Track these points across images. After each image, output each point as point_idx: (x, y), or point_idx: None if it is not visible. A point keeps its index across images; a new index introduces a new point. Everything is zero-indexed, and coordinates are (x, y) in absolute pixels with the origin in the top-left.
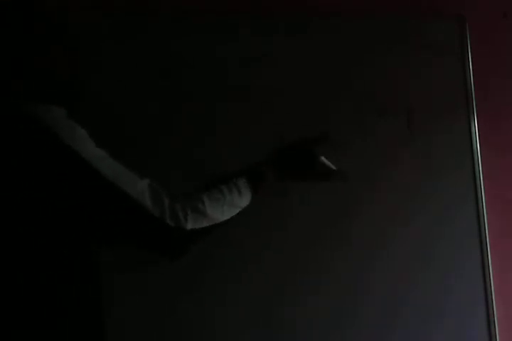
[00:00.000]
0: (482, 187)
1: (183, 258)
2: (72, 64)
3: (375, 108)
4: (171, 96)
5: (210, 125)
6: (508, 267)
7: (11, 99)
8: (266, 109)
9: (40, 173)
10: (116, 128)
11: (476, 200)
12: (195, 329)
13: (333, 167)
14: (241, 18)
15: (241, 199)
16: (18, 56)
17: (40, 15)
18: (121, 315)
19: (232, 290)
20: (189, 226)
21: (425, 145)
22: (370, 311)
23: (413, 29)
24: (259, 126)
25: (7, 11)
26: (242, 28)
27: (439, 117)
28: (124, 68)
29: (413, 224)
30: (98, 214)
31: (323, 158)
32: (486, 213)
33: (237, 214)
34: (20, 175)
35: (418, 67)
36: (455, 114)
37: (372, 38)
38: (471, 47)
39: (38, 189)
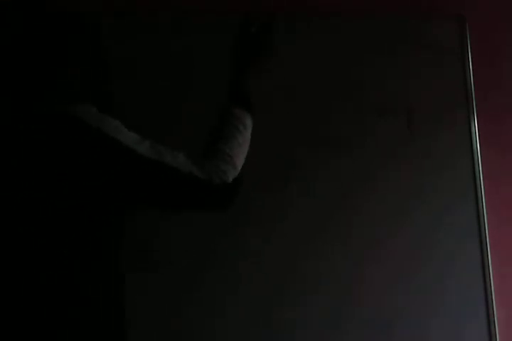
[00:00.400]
0: (482, 187)
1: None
2: (99, 65)
3: (375, 108)
4: (170, 96)
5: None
6: (508, 267)
7: (50, 100)
8: (266, 109)
9: (90, 165)
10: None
11: (476, 200)
12: (195, 329)
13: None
14: (241, 18)
15: (247, 130)
16: (53, 58)
17: (74, 18)
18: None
19: (231, 289)
20: (230, 179)
21: (425, 145)
22: (369, 311)
23: (413, 29)
24: (259, 125)
25: (42, 15)
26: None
27: (439, 117)
28: (127, 68)
29: (413, 224)
30: (152, 194)
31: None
32: (486, 213)
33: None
34: (70, 168)
35: (418, 67)
36: (455, 114)
37: (372, 38)
38: (471, 47)
39: (89, 179)
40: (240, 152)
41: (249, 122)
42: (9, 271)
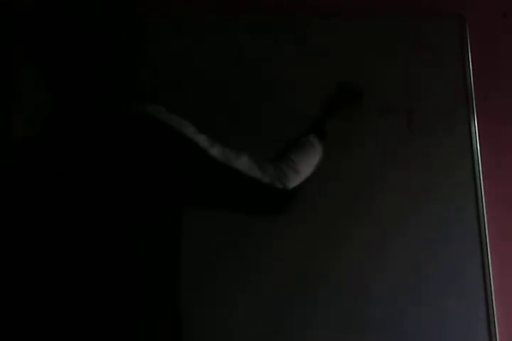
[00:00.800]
0: (482, 187)
1: None
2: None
3: (375, 108)
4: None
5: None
6: (508, 267)
7: (121, 101)
8: (265, 109)
9: (167, 165)
10: None
11: (476, 200)
12: (204, 331)
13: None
14: (241, 18)
15: (315, 154)
16: (124, 58)
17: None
18: None
19: (237, 293)
20: (291, 185)
21: (425, 145)
22: (369, 311)
23: (413, 29)
24: (259, 125)
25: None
26: (242, 28)
27: (439, 117)
28: None
29: (412, 224)
30: (216, 196)
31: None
32: (486, 213)
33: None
34: (148, 167)
35: (418, 67)
36: (455, 114)
37: (372, 37)
38: (471, 47)
39: (163, 179)
40: (305, 162)
41: (318, 146)
42: (74, 266)
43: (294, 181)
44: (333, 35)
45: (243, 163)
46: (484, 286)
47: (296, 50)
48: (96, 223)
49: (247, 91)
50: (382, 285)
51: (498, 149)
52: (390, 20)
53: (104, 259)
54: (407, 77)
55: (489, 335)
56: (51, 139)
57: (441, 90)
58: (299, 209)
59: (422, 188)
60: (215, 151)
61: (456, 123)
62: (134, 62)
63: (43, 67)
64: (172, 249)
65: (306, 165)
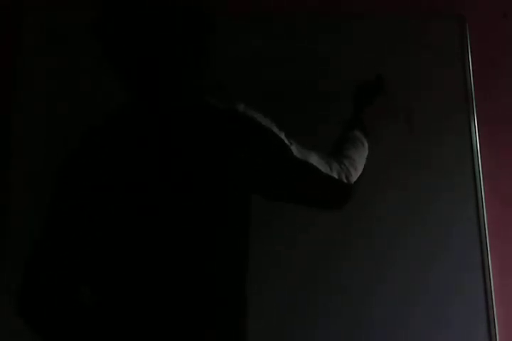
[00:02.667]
0: (482, 187)
1: None
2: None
3: (375, 108)
4: None
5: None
6: (508, 267)
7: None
8: (264, 109)
9: (253, 156)
10: None
11: (476, 200)
12: None
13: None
14: (241, 18)
15: (366, 150)
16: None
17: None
18: None
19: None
20: (353, 179)
21: (425, 145)
22: (370, 311)
23: (413, 29)
24: None
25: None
26: (242, 27)
27: (439, 117)
28: None
29: (412, 224)
30: (293, 192)
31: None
32: (486, 213)
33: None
34: (234, 156)
35: (418, 67)
36: (455, 114)
37: (372, 37)
38: (471, 47)
39: (246, 173)
40: (361, 161)
41: (366, 144)
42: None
43: (355, 177)
44: (333, 35)
45: (315, 160)
46: (484, 286)
47: (295, 50)
48: (177, 208)
49: (247, 90)
50: (382, 284)
51: (498, 149)
52: (390, 20)
53: (178, 244)
54: (407, 77)
55: (489, 335)
56: (136, 125)
57: (441, 90)
58: (299, 209)
59: (422, 188)
60: (294, 148)
61: (456, 123)
62: (204, 60)
63: (123, 66)
64: (243, 235)
65: (362, 162)
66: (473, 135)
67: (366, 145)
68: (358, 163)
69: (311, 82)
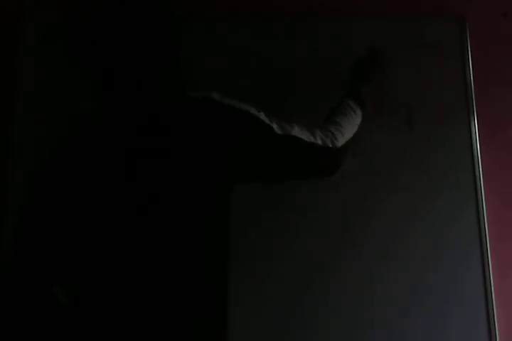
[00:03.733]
0: (482, 187)
1: None
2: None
3: (375, 108)
4: None
5: None
6: (508, 267)
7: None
8: (264, 109)
9: (235, 140)
10: None
11: (476, 201)
12: None
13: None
14: (241, 18)
15: (358, 117)
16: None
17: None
18: None
19: (238, 293)
20: (339, 144)
21: (425, 145)
22: (371, 311)
23: (413, 29)
24: None
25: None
26: (242, 28)
27: (439, 117)
28: None
29: (413, 225)
30: (280, 166)
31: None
32: (486, 213)
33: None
34: (215, 142)
35: (418, 67)
36: (455, 114)
37: (372, 38)
38: (471, 47)
39: (230, 154)
40: (349, 126)
41: (359, 112)
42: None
43: (341, 141)
44: (333, 35)
45: (297, 131)
46: (484, 286)
47: (295, 50)
48: (163, 200)
49: (247, 89)
50: (382, 284)
51: (498, 149)
52: (390, 20)
53: (162, 235)
54: (407, 77)
55: (489, 335)
56: (116, 124)
57: (441, 90)
58: (298, 209)
59: (422, 188)
60: (275, 125)
61: (456, 123)
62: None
63: (92, 66)
64: (222, 231)
65: (351, 128)
66: (473, 135)
67: (359, 113)
68: (345, 128)
69: (311, 82)
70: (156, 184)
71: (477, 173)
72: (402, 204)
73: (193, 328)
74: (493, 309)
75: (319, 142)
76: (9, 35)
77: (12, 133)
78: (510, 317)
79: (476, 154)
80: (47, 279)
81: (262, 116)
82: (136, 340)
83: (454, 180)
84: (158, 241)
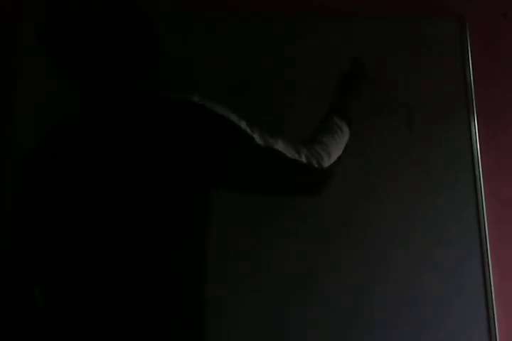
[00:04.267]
0: (482, 187)
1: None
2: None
3: (375, 108)
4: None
5: None
6: (508, 267)
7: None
8: (264, 110)
9: (213, 149)
10: None
11: (476, 201)
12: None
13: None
14: (241, 18)
15: (344, 136)
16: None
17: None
18: None
19: (237, 293)
20: (326, 164)
21: (425, 146)
22: (371, 311)
23: (413, 29)
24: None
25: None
26: (242, 28)
27: (439, 117)
28: None
29: (413, 225)
30: (260, 179)
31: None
32: (486, 213)
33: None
34: (193, 148)
35: (418, 67)
36: (455, 114)
37: (372, 38)
38: (471, 47)
39: (207, 162)
40: (336, 146)
41: (346, 130)
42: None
43: (327, 161)
44: (333, 36)
45: (281, 146)
46: (484, 286)
47: (295, 50)
48: (135, 202)
49: (247, 89)
50: (382, 285)
51: (498, 149)
52: (390, 20)
53: (133, 237)
54: (407, 77)
55: (489, 335)
56: (94, 126)
57: (441, 90)
58: (299, 208)
59: (422, 188)
60: (257, 136)
61: (456, 123)
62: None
63: (68, 67)
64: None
65: (337, 147)
66: (473, 135)
67: (346, 130)
68: (331, 148)
69: (311, 82)
70: (130, 185)
71: (477, 173)
72: (402, 204)
73: (169, 330)
74: (493, 309)
75: (304, 160)
76: (9, 35)
77: (12, 133)
78: (510, 317)
79: (476, 154)
80: (29, 280)
81: (243, 124)
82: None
83: (454, 180)
84: (132, 240)
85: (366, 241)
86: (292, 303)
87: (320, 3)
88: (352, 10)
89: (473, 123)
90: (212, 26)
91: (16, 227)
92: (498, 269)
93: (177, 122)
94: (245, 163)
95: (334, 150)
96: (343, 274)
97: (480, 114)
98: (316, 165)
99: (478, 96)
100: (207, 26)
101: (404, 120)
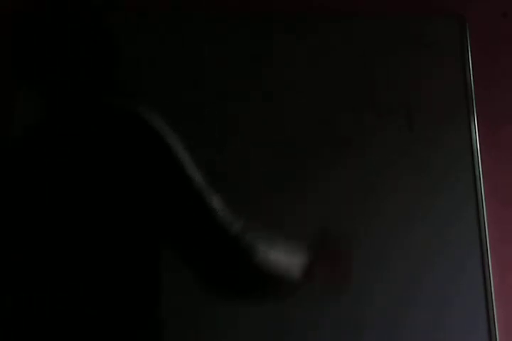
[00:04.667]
0: (482, 187)
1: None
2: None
3: (375, 108)
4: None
5: (208, 126)
6: (508, 267)
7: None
8: (264, 110)
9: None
10: None
11: (476, 200)
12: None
13: None
14: (241, 18)
15: (297, 259)
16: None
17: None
18: None
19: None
20: (255, 258)
21: (425, 146)
22: (371, 311)
23: (413, 29)
24: (259, 125)
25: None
26: (242, 28)
27: (439, 117)
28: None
29: (413, 225)
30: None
31: None
32: (486, 213)
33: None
34: (125, 171)
35: (418, 67)
36: (455, 114)
37: (372, 38)
38: (471, 47)
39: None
40: (284, 257)
41: (297, 261)
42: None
43: (262, 255)
44: (333, 36)
45: (217, 204)
46: (484, 286)
47: (295, 50)
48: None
49: (247, 90)
50: (382, 285)
51: (498, 149)
52: (390, 20)
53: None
54: (407, 77)
55: (489, 335)
56: (40, 139)
57: (441, 90)
58: (296, 208)
59: (422, 188)
60: (197, 178)
61: (456, 123)
62: (111, 63)
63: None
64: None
65: (284, 258)
66: (473, 135)
67: (297, 261)
68: (277, 252)
69: (311, 82)
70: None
71: (477, 173)
72: (402, 204)
73: None
74: (493, 309)
75: (232, 233)
76: (9, 35)
77: (12, 133)
78: (510, 317)
79: (476, 154)
80: None
81: (186, 160)
82: None
83: (454, 180)
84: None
85: (366, 241)
86: (291, 304)
87: (320, 3)
88: (352, 10)
89: (473, 123)
90: (213, 26)
91: None
92: (498, 269)
93: (118, 137)
94: (183, 208)
95: (279, 256)
96: None
97: (480, 114)
98: (245, 247)
99: (478, 96)
100: (207, 26)
101: (404, 120)
